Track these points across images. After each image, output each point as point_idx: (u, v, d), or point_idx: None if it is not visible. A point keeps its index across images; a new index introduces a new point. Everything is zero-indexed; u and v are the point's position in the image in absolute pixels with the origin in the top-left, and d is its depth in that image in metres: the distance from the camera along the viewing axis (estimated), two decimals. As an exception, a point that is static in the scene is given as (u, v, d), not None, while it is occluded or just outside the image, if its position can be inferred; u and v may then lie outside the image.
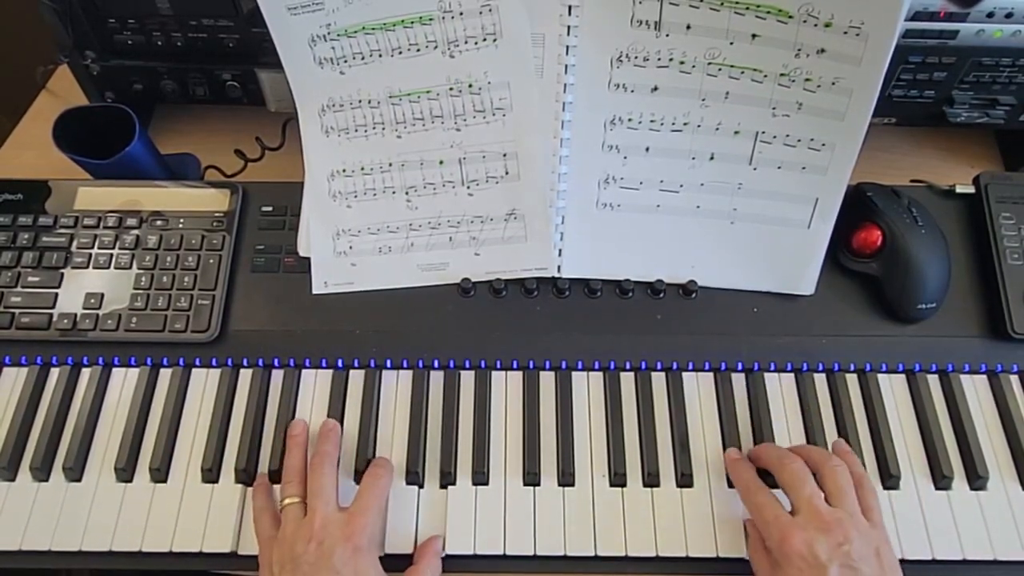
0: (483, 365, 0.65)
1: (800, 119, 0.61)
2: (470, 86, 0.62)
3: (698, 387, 0.64)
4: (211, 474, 0.60)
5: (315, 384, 0.64)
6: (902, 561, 0.56)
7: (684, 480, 0.60)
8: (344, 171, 0.66)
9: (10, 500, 0.60)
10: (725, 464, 0.61)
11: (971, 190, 0.70)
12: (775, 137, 0.62)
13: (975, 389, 0.65)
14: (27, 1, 0.71)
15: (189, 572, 0.66)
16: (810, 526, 0.52)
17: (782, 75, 0.59)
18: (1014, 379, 0.65)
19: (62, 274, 0.67)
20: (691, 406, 0.63)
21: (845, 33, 0.56)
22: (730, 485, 0.60)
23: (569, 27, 0.59)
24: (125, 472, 0.60)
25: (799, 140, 0.62)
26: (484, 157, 0.64)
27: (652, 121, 0.62)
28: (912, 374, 0.65)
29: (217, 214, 0.69)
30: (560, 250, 0.67)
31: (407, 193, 0.66)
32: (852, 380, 0.65)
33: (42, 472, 0.60)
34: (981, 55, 0.69)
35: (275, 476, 0.60)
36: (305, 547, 0.53)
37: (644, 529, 0.58)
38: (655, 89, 0.61)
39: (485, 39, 0.60)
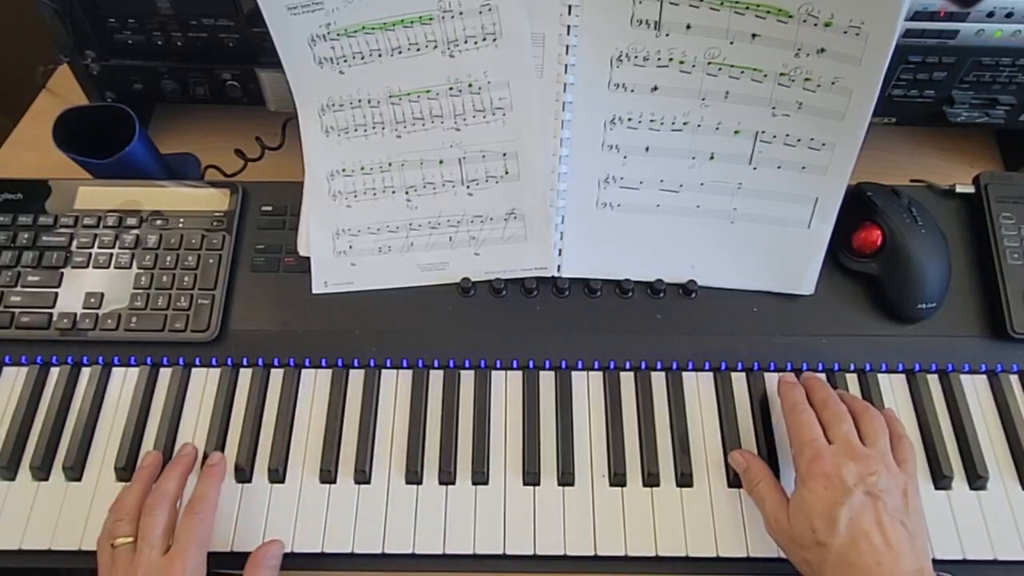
0: (483, 365, 0.65)
1: (800, 119, 0.61)
2: (470, 86, 0.62)
3: (698, 387, 0.64)
4: (211, 474, 0.60)
5: (315, 384, 0.64)
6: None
7: (684, 480, 0.60)
8: (344, 171, 0.66)
9: (10, 500, 0.60)
10: (777, 384, 0.61)
11: (971, 190, 0.70)
12: (775, 137, 0.62)
13: (975, 389, 0.65)
14: (27, 1, 0.71)
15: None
16: (842, 453, 0.54)
17: (782, 75, 0.59)
18: (1014, 379, 0.65)
19: (62, 274, 0.67)
20: (691, 406, 0.63)
21: (845, 33, 0.56)
22: (730, 485, 0.60)
23: (569, 27, 0.59)
24: (125, 471, 0.60)
25: (799, 140, 0.62)
26: (484, 157, 0.64)
27: (652, 121, 0.62)
28: (912, 374, 0.65)
29: (217, 214, 0.69)
30: (560, 250, 0.67)
31: (407, 193, 0.66)
32: (852, 380, 0.65)
33: (42, 471, 0.60)
34: (981, 55, 0.69)
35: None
36: None
37: (644, 529, 0.58)
38: (655, 89, 0.61)
39: (485, 39, 0.60)
